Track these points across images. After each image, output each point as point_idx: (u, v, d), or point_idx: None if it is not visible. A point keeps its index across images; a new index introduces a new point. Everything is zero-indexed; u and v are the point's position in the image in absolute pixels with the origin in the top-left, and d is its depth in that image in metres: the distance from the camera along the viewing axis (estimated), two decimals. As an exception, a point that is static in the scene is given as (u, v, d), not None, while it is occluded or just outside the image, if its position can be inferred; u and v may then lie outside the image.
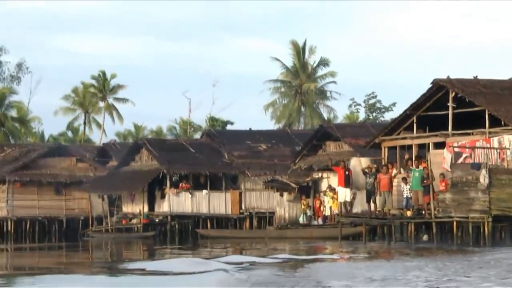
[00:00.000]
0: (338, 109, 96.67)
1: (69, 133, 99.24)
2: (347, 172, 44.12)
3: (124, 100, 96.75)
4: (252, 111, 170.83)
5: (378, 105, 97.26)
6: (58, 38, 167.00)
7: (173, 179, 56.37)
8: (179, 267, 27.19)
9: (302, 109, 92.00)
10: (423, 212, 39.02)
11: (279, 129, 78.61)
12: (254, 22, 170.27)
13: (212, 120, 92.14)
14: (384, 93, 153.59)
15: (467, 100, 39.66)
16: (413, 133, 42.63)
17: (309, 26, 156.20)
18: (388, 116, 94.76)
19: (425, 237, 40.81)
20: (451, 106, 39.99)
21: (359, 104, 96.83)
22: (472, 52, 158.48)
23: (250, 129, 68.80)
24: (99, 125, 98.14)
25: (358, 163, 45.69)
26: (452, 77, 47.23)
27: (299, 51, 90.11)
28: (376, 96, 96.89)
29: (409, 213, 39.62)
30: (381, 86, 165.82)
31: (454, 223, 37.24)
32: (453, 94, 39.90)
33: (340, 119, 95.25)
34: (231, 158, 57.52)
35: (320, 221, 48.86)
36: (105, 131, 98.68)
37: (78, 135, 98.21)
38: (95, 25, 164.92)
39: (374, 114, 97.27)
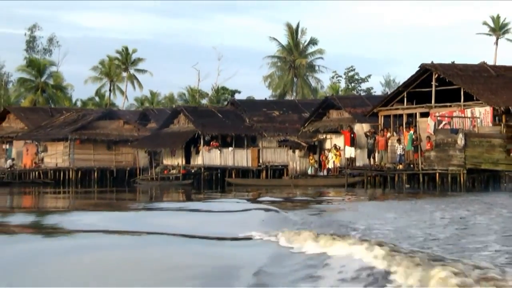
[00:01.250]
0: (324, 80, 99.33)
1: (96, 98, 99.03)
2: (352, 135, 49.50)
3: (143, 71, 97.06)
4: (252, 81, 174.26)
5: (356, 76, 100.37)
6: (81, 15, 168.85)
7: (206, 139, 58.79)
8: (228, 206, 30.54)
9: (295, 80, 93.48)
10: (412, 166, 43.42)
11: (288, 99, 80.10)
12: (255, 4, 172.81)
13: (223, 89, 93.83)
14: (361, 67, 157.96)
15: (447, 80, 44.09)
16: (404, 105, 46.65)
17: (301, 10, 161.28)
18: (364, 86, 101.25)
19: (406, 186, 43.93)
20: (434, 85, 44.25)
21: (340, 76, 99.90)
22: (431, 33, 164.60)
23: (265, 99, 73.21)
24: (122, 92, 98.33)
25: (361, 128, 50.24)
26: (414, 55, 52.51)
27: (293, 32, 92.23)
28: (354, 69, 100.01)
29: (401, 167, 44.10)
30: (359, 61, 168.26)
31: (437, 174, 41.64)
32: (436, 75, 44.14)
33: (325, 89, 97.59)
34: (251, 122, 60.57)
35: (325, 172, 52.92)
36: (127, 97, 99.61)
37: (104, 100, 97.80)
38: (112, 4, 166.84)
39: (352, 84, 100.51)
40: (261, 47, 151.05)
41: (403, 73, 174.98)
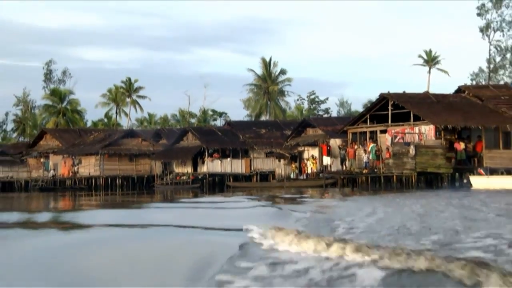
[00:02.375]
0: (291, 102, 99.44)
1: (105, 120, 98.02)
2: (328, 147, 52.52)
3: (143, 96, 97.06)
4: (232, 103, 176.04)
5: (316, 99, 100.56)
6: (82, 50, 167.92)
7: (209, 152, 61.49)
8: (230, 202, 31.36)
9: (268, 103, 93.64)
10: (375, 170, 46.08)
11: (272, 120, 79.96)
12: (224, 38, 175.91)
13: (212, 111, 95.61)
14: (320, 89, 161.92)
15: (400, 105, 47.01)
16: (367, 124, 49.21)
17: (273, 45, 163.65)
18: (323, 106, 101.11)
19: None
20: (390, 109, 47.16)
21: (304, 99, 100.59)
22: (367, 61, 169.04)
23: (253, 120, 75.99)
24: (126, 114, 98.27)
25: (334, 142, 53.30)
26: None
27: (267, 64, 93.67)
28: (315, 93, 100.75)
29: (366, 171, 46.91)
30: (318, 84, 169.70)
31: (394, 176, 44.27)
32: (391, 102, 47.13)
33: (292, 109, 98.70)
34: (244, 138, 63.00)
35: (304, 176, 55.35)
36: (130, 118, 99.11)
37: (111, 121, 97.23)
38: (107, 41, 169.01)
39: (313, 105, 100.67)
40: (231, 74, 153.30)
41: (353, 94, 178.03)
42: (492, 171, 43.06)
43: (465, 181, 43.51)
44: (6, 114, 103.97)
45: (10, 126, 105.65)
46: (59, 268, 10.60)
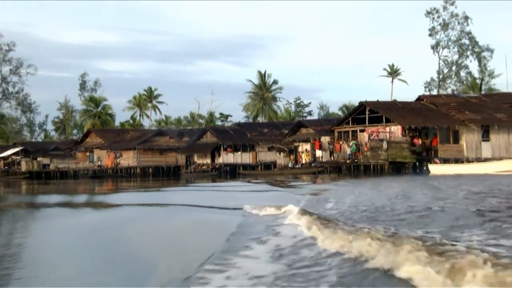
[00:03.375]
0: (281, 106, 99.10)
1: (131, 121, 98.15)
2: (320, 143, 53.19)
3: (161, 102, 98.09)
4: (232, 108, 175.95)
5: (301, 103, 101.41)
6: (104, 63, 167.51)
7: (224, 147, 62.48)
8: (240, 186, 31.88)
9: (264, 107, 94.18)
10: (356, 160, 46.74)
11: (272, 122, 79.09)
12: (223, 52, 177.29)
13: (220, 114, 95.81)
14: (304, 96, 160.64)
15: (374, 110, 47.85)
16: (350, 125, 50.16)
17: (262, 58, 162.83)
18: (307, 109, 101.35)
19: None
20: (367, 113, 48.03)
21: (291, 103, 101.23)
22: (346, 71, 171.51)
23: (257, 122, 77.12)
24: (147, 116, 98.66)
25: (324, 139, 53.49)
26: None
27: (262, 76, 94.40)
28: (300, 99, 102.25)
29: (349, 161, 47.47)
30: (300, 90, 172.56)
31: (371, 165, 45.23)
32: (368, 108, 47.96)
33: (282, 112, 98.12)
34: (251, 136, 64.09)
35: (299, 165, 55.87)
36: (151, 120, 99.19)
37: (136, 122, 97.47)
38: (124, 54, 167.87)
39: (299, 109, 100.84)
40: (228, 82, 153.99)
41: (327, 97, 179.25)
42: (445, 161, 43.87)
43: (424, 168, 43.59)
44: (46, 116, 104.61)
45: (49, 126, 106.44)
46: (103, 235, 11.87)
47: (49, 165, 71.12)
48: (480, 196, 16.03)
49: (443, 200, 14.96)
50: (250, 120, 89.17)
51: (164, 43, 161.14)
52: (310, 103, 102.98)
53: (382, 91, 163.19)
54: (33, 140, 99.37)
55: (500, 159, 42.89)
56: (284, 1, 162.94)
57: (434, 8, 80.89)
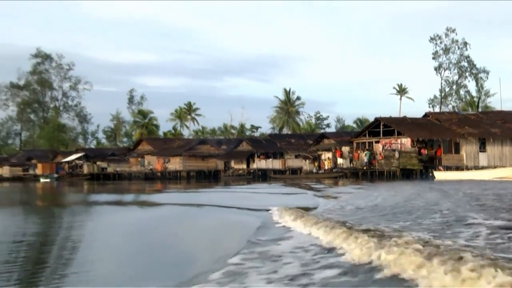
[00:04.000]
0: (303, 119, 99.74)
1: (172, 131, 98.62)
2: (341, 152, 53.84)
3: (199, 115, 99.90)
4: (258, 118, 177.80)
5: (320, 117, 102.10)
6: (145, 79, 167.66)
7: (257, 154, 63.75)
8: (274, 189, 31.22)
9: (288, 120, 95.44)
10: (372, 167, 47.49)
11: (298, 133, 79.87)
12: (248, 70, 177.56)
13: (251, 126, 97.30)
14: (320, 109, 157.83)
15: (388, 125, 48.74)
16: (366, 137, 50.97)
17: (283, 75, 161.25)
18: (326, 122, 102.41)
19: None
20: (382, 127, 49.09)
21: (312, 116, 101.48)
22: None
23: (283, 133, 78.77)
24: (187, 127, 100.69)
25: (345, 149, 53.91)
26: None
27: (287, 93, 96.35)
28: (319, 112, 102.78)
29: (365, 168, 48.07)
30: (319, 105, 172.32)
31: (385, 171, 45.69)
32: (382, 123, 49.05)
33: (304, 124, 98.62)
34: (280, 145, 65.07)
35: (322, 171, 56.21)
36: (190, 130, 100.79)
37: (177, 131, 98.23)
38: (163, 72, 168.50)
39: (318, 121, 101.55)
40: (253, 97, 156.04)
41: (341, 110, 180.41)
42: (448, 168, 44.42)
43: (430, 174, 43.21)
44: (98, 126, 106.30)
45: (100, 134, 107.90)
46: (148, 229, 11.89)
47: (106, 168, 72.83)
48: (476, 196, 16.75)
49: (448, 198, 16.25)
50: (276, 131, 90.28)
51: (197, 62, 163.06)
52: (328, 116, 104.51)
53: (390, 104, 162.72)
54: (86, 146, 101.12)
55: (495, 167, 43.67)
56: (301, 25, 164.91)
57: (437, 35, 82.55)
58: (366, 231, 7.45)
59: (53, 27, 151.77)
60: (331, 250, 7.15)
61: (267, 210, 13.51)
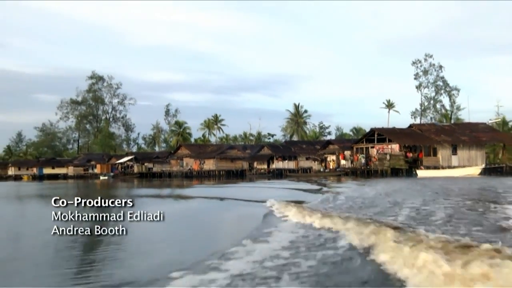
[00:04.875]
0: (310, 128, 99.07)
1: (202, 137, 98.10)
2: (344, 155, 54.71)
3: (224, 124, 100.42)
4: (271, 127, 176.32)
5: (323, 126, 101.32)
6: (175, 95, 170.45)
7: (276, 157, 64.82)
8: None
9: (298, 129, 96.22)
10: (368, 166, 47.49)
11: (309, 140, 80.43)
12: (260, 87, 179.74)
13: (268, 133, 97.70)
14: (326, 121, 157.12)
15: (381, 134, 49.28)
16: (363, 143, 51.14)
17: (290, 91, 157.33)
18: (327, 130, 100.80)
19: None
20: (376, 135, 49.59)
21: (316, 126, 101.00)
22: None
23: (298, 140, 79.08)
24: (214, 135, 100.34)
25: (347, 153, 54.34)
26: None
27: (297, 107, 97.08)
28: (322, 123, 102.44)
29: (363, 168, 48.11)
30: (323, 117, 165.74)
31: (379, 170, 45.99)
32: (376, 132, 49.61)
33: (310, 132, 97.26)
34: (294, 149, 66.39)
35: (328, 170, 55.91)
36: (216, 137, 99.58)
37: (205, 138, 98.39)
38: (187, 88, 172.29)
39: (321, 130, 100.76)
40: (265, 109, 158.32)
41: (338, 120, 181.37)
42: (427, 167, 45.15)
43: (414, 172, 43.79)
44: (138, 134, 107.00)
45: (140, 141, 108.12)
46: (186, 218, 11.75)
47: (152, 168, 74.82)
48: (448, 188, 17.70)
49: (427, 187, 18.07)
50: (287, 138, 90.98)
51: (219, 80, 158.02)
52: (329, 126, 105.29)
53: (380, 115, 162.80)
54: (130, 150, 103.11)
55: (464, 167, 45.25)
56: (305, 50, 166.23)
57: (418, 59, 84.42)
58: (334, 216, 8.83)
59: (104, 53, 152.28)
60: (310, 225, 8.83)
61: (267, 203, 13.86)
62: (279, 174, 60.64)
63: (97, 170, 77.51)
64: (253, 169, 66.27)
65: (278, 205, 12.26)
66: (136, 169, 74.72)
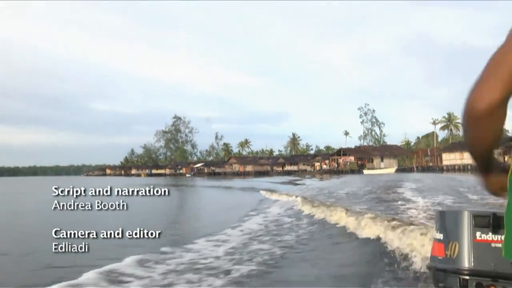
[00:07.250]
0: (301, 146, 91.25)
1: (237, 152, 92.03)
2: (325, 162, 60.12)
3: (250, 144, 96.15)
4: (277, 146, 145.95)
5: (308, 145, 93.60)
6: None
7: (286, 163, 67.03)
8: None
9: (294, 147, 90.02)
10: (338, 168, 53.27)
11: (303, 154, 78.53)
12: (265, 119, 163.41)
13: (279, 151, 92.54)
14: (308, 140, 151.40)
15: (345, 151, 55.77)
16: (336, 156, 56.50)
17: (287, 121, 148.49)
18: (311, 147, 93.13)
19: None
20: (342, 152, 55.83)
21: (304, 145, 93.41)
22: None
23: (297, 154, 79.08)
24: (245, 150, 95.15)
25: (326, 161, 58.98)
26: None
27: (294, 134, 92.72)
28: (308, 144, 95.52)
29: (335, 169, 53.11)
30: (305, 138, 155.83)
31: (343, 170, 49.75)
32: (342, 150, 56.26)
33: (300, 148, 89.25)
34: (296, 159, 68.50)
35: (315, 170, 57.88)
36: (246, 152, 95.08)
37: (239, 153, 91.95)
38: (220, 120, 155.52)
39: (307, 147, 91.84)
40: (267, 133, 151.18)
41: (315, 140, 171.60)
42: (369, 168, 49.21)
43: (362, 171, 46.55)
44: (197, 149, 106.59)
45: (198, 153, 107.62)
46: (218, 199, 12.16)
47: (215, 170, 75.81)
48: (377, 180, 17.76)
49: (370, 179, 18.29)
50: (288, 152, 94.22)
51: (241, 114, 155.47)
52: (312, 144, 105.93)
53: (340, 138, 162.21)
54: (191, 160, 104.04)
55: (387, 168, 50.62)
56: (292, 94, 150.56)
57: (361, 106, 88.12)
58: (309, 200, 9.01)
59: (180, 100, 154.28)
60: (291, 204, 9.59)
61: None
62: (288, 173, 62.71)
63: (183, 171, 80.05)
64: (273, 171, 69.52)
65: (268, 194, 12.98)
66: (206, 170, 77.04)
